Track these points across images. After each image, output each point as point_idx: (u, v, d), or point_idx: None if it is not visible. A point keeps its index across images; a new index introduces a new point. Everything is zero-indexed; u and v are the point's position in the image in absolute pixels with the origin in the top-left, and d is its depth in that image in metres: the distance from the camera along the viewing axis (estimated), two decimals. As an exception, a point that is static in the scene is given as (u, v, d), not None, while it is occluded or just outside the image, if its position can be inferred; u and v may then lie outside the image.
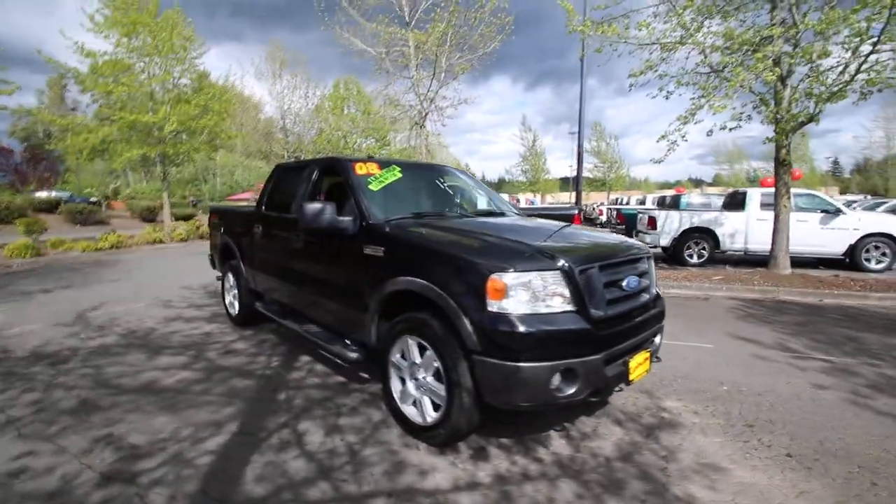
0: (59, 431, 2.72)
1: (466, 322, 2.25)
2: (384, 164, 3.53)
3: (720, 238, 10.01)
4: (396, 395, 2.75)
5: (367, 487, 2.19)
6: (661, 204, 19.07)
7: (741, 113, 7.68)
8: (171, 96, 14.48)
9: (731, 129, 8.00)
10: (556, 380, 2.18)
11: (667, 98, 8.61)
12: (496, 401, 2.27)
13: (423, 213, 3.27)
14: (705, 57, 7.90)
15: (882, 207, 16.59)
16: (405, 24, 9.42)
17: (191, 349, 4.24)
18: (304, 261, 3.60)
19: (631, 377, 2.45)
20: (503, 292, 2.18)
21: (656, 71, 8.45)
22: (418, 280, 2.49)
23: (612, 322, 2.37)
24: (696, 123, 8.15)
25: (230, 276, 5.08)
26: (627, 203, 26.40)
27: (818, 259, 9.72)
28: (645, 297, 2.73)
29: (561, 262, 2.26)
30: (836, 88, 6.53)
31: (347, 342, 3.21)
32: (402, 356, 2.71)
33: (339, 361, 3.85)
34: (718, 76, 7.75)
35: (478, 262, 2.28)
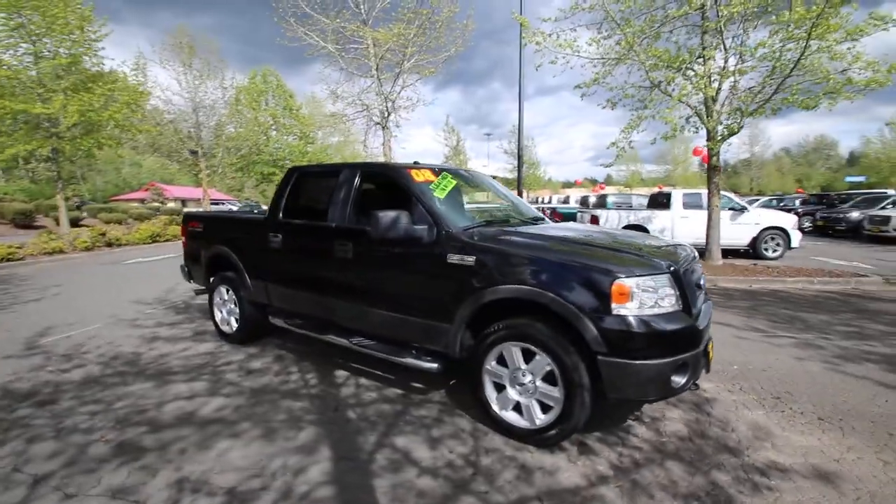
0: (118, 484, 2.33)
1: (590, 325, 2.38)
2: (434, 171, 3.50)
3: (651, 234, 11.25)
4: (494, 403, 2.80)
5: (513, 495, 2.23)
6: (585, 203, 20.74)
7: (678, 124, 8.71)
8: (67, 84, 12.45)
9: (667, 139, 9.06)
10: (674, 373, 2.40)
11: (613, 108, 9.45)
12: (621, 396, 2.43)
13: (492, 221, 3.31)
14: (647, 73, 8.81)
15: (755, 204, 19.78)
16: (363, 21, 9.12)
17: (203, 373, 3.81)
18: (353, 272, 3.43)
19: (709, 364, 2.77)
20: (627, 296, 2.35)
21: (601, 83, 9.27)
22: (526, 287, 2.56)
23: (700, 316, 2.66)
24: (640, 132, 9.09)
25: (223, 291, 4.62)
26: (549, 201, 28.22)
27: (726, 250, 11.36)
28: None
29: (670, 266, 2.49)
30: (755, 107, 7.74)
31: (414, 353, 3.16)
32: (500, 363, 2.76)
33: (380, 373, 3.76)
34: (659, 90, 8.72)
35: (600, 269, 2.42)
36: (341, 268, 3.50)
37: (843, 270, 8.25)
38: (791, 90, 7.36)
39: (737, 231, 10.94)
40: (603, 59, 9.09)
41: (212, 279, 4.78)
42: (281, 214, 4.02)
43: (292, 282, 3.93)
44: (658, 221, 11.44)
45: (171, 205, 36.26)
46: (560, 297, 2.45)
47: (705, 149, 9.41)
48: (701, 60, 8.31)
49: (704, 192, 11.95)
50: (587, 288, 2.42)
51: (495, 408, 2.79)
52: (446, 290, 2.91)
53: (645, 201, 15.74)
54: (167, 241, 15.42)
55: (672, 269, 2.50)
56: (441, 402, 3.27)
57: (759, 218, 11.13)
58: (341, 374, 3.82)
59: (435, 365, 3.03)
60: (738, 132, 8.15)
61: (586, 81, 9.21)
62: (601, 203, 17.03)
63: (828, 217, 16.44)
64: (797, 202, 21.21)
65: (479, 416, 2.98)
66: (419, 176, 3.34)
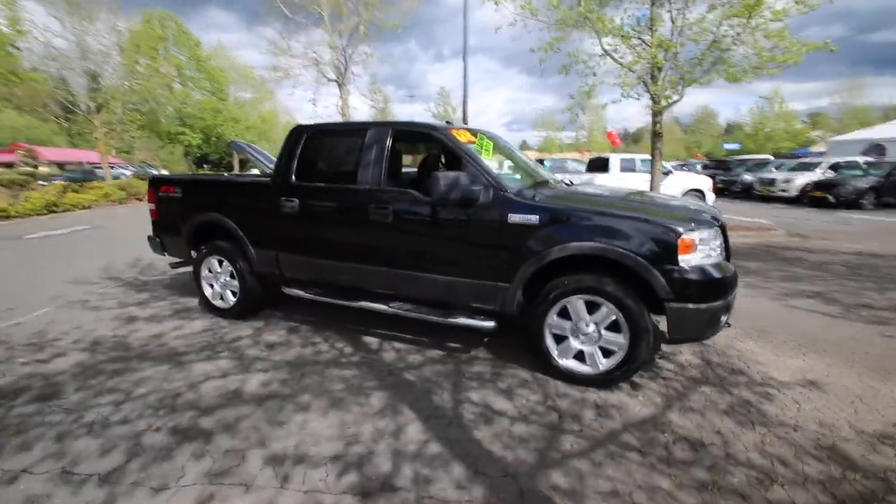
0: (210, 469, 2.17)
1: (659, 276, 2.62)
2: (472, 132, 3.46)
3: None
4: (555, 353, 2.98)
5: (604, 430, 2.46)
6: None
7: (627, 91, 9.29)
8: None
9: (614, 102, 9.66)
10: (723, 313, 2.75)
11: (567, 74, 9.79)
12: (682, 337, 2.75)
13: (538, 183, 3.38)
14: (599, 41, 9.20)
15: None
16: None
17: (218, 350, 3.53)
18: (394, 236, 3.33)
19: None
20: (691, 248, 2.62)
21: (558, 50, 9.53)
22: (598, 245, 2.72)
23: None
24: (590, 99, 9.57)
25: (214, 262, 4.22)
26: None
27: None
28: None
29: (717, 220, 2.80)
30: (698, 75, 8.51)
31: (467, 313, 3.23)
32: (560, 316, 2.93)
33: (410, 337, 3.76)
34: (611, 57, 9.18)
35: (667, 225, 2.65)
36: (378, 232, 3.38)
37: (756, 225, 9.63)
38: (727, 64, 8.18)
39: (665, 192, 12.17)
40: (557, 24, 9.28)
41: (198, 250, 4.32)
42: (294, 177, 3.72)
43: (313, 249, 3.71)
44: (599, 183, 12.30)
45: (43, 169, 30.75)
46: (631, 252, 2.66)
47: (617, 135, 10.23)
48: (649, 31, 8.85)
49: (637, 156, 13.02)
50: (655, 242, 2.65)
51: (557, 357, 2.98)
52: (506, 249, 2.97)
53: (577, 165, 16.77)
54: (66, 210, 13.29)
55: (719, 222, 2.81)
56: (487, 358, 3.40)
57: (682, 181, 12.45)
58: (370, 340, 3.76)
59: (492, 323, 3.13)
60: (680, 99, 8.93)
61: (543, 45, 9.39)
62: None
63: (725, 180, 18.78)
64: (699, 167, 23.85)
65: (532, 366, 3.17)
66: (462, 136, 3.29)
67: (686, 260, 2.62)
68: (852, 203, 13.49)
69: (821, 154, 21.20)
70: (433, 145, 3.23)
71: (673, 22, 8.49)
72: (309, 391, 2.89)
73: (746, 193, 17.44)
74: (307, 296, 3.80)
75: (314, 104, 10.06)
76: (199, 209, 4.20)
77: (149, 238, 4.77)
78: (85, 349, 3.58)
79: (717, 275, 2.68)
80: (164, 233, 4.56)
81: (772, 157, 27.47)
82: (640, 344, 2.73)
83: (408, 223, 3.28)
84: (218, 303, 4.31)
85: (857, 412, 2.65)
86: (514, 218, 2.93)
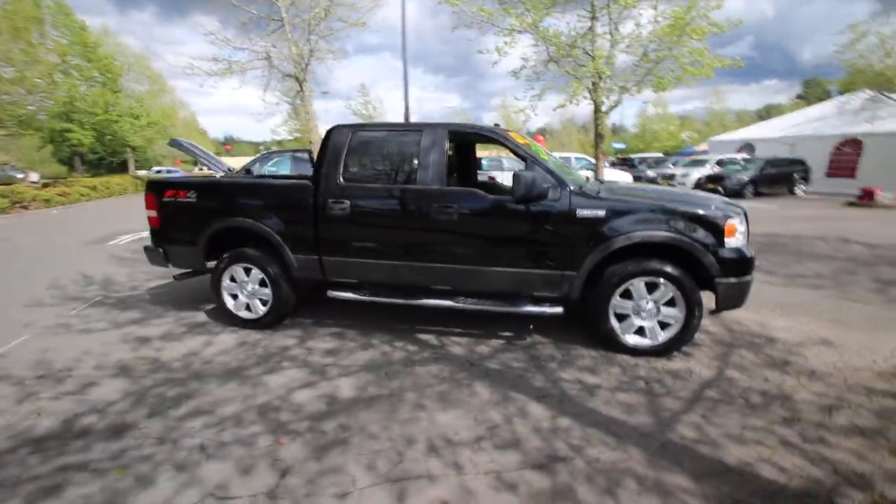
0: (378, 468, 2.19)
1: (710, 257, 3.13)
2: (520, 135, 3.72)
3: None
4: (619, 330, 3.38)
5: (687, 392, 2.89)
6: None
7: (573, 98, 10.17)
8: None
9: (562, 107, 10.54)
10: (751, 285, 3.35)
11: (516, 78, 10.45)
12: (727, 307, 3.28)
13: (581, 182, 3.73)
14: (547, 47, 9.96)
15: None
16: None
17: (278, 362, 3.39)
18: (461, 233, 3.47)
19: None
20: (733, 232, 3.17)
21: (506, 53, 10.15)
22: (661, 233, 3.16)
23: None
24: (542, 101, 10.33)
25: (239, 271, 3.98)
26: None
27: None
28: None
29: (742, 209, 3.38)
30: (632, 85, 9.62)
31: (533, 302, 3.50)
32: (622, 297, 3.33)
33: (460, 330, 3.93)
34: (556, 64, 10.00)
35: (714, 213, 3.17)
36: (443, 230, 3.49)
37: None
38: (656, 75, 9.39)
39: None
40: (510, 29, 9.87)
41: (218, 259, 4.02)
42: (341, 179, 3.66)
43: (366, 251, 3.69)
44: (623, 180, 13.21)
45: None
46: (688, 238, 3.13)
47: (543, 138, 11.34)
48: (590, 44, 9.80)
49: (571, 155, 14.17)
50: (706, 228, 3.15)
51: (621, 334, 3.38)
52: (575, 241, 3.30)
53: (512, 164, 17.73)
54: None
55: (744, 211, 3.40)
56: (546, 342, 3.69)
57: (609, 176, 13.87)
58: (426, 337, 3.85)
59: (560, 309, 3.43)
60: (618, 105, 10.01)
61: (496, 48, 9.93)
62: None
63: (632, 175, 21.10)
64: (607, 163, 26.46)
65: (591, 344, 3.55)
66: (520, 139, 3.53)
67: (729, 242, 3.16)
68: (737, 193, 16.02)
69: (704, 153, 24.76)
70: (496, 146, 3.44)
71: (612, 35, 9.49)
72: (410, 390, 2.95)
73: (653, 187, 19.79)
74: (357, 298, 3.77)
75: (264, 100, 9.41)
76: (223, 214, 3.92)
77: (146, 249, 4.30)
78: (117, 375, 3.20)
79: (748, 253, 3.26)
80: (170, 242, 4.15)
81: (662, 155, 31.36)
82: (694, 315, 3.23)
83: (476, 221, 3.45)
84: (243, 314, 4.06)
85: (844, 353, 3.41)
86: (583, 212, 3.26)
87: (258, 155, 9.04)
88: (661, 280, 3.23)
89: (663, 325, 3.34)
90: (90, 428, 2.56)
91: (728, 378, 3.05)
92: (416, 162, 3.56)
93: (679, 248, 3.17)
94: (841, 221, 10.24)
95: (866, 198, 12.95)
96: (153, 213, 4.11)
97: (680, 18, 8.34)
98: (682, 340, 3.31)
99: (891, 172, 15.11)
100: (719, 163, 19.54)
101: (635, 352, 3.37)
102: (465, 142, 4.07)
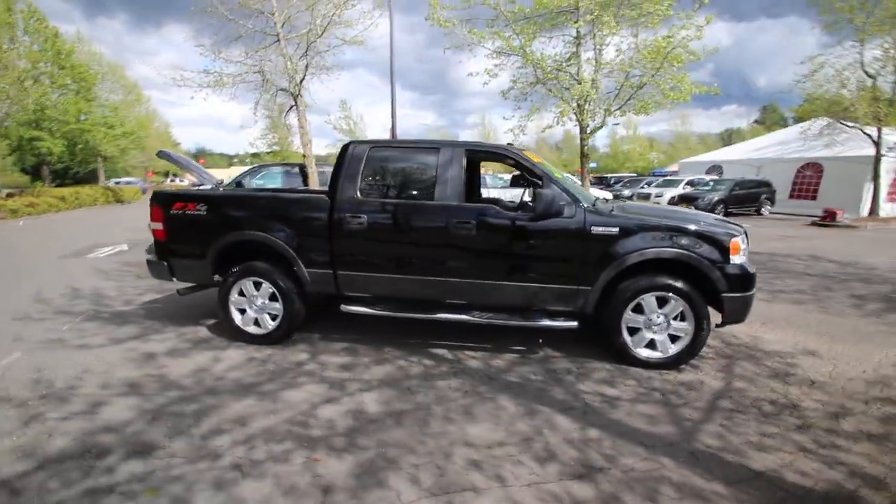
0: (423, 481, 2.19)
1: (717, 273, 3.30)
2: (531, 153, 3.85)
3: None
4: (631, 344, 3.49)
5: (703, 402, 3.01)
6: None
7: (561, 119, 10.50)
8: None
9: (549, 128, 10.88)
10: (753, 300, 3.54)
11: (505, 98, 10.77)
12: (731, 321, 3.44)
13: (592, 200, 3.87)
14: (535, 70, 10.30)
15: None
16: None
17: (294, 377, 3.34)
18: (479, 249, 3.54)
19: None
20: (738, 250, 3.36)
21: (495, 75, 10.48)
22: (672, 250, 3.32)
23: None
24: (531, 121, 10.65)
25: (249, 286, 3.92)
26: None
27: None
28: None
29: (743, 228, 3.59)
30: (615, 108, 10.04)
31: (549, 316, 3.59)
32: (634, 311, 3.46)
33: (473, 344, 3.98)
34: (544, 86, 10.34)
35: (721, 232, 3.35)
36: (461, 245, 3.56)
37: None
38: (638, 99, 9.83)
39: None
40: (499, 51, 10.19)
41: (226, 273, 3.95)
42: (359, 193, 3.69)
43: (383, 265, 3.71)
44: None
45: None
46: (697, 255, 3.30)
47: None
48: (575, 68, 10.19)
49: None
50: (714, 246, 3.33)
51: (633, 347, 3.49)
52: (590, 256, 3.42)
53: (494, 181, 18.03)
54: None
55: (745, 230, 3.61)
56: (558, 356, 3.77)
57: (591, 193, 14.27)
58: (439, 352, 3.86)
59: (574, 323, 3.53)
60: (602, 127, 10.41)
61: (487, 69, 10.22)
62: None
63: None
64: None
65: (603, 357, 3.65)
66: (535, 158, 3.66)
67: (734, 259, 3.35)
68: (709, 212, 16.80)
69: (675, 173, 25.85)
70: (513, 165, 3.56)
71: (596, 60, 9.91)
72: (435, 404, 2.96)
73: (630, 205, 20.47)
74: (372, 313, 3.77)
75: (254, 114, 9.31)
76: (234, 227, 3.87)
77: (149, 263, 4.19)
78: (126, 393, 3.09)
79: (751, 270, 3.45)
80: (176, 255, 4.05)
81: (636, 175, 32.51)
82: (702, 329, 3.38)
83: (494, 236, 3.53)
84: (251, 329, 3.98)
85: (836, 364, 3.63)
86: (598, 229, 3.39)
87: (248, 168, 8.93)
88: (672, 295, 3.37)
89: (673, 339, 3.47)
90: (109, 448, 2.46)
91: (737, 388, 3.20)
92: (433, 178, 3.63)
93: (688, 264, 3.33)
94: (809, 240, 10.85)
95: (828, 218, 13.77)
96: (158, 226, 4.02)
97: (662, 47, 8.82)
98: (691, 353, 3.45)
99: (848, 194, 16.17)
100: (690, 183, 20.45)
101: (647, 364, 3.49)
102: (471, 160, 4.18)
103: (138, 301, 5.37)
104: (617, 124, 50.16)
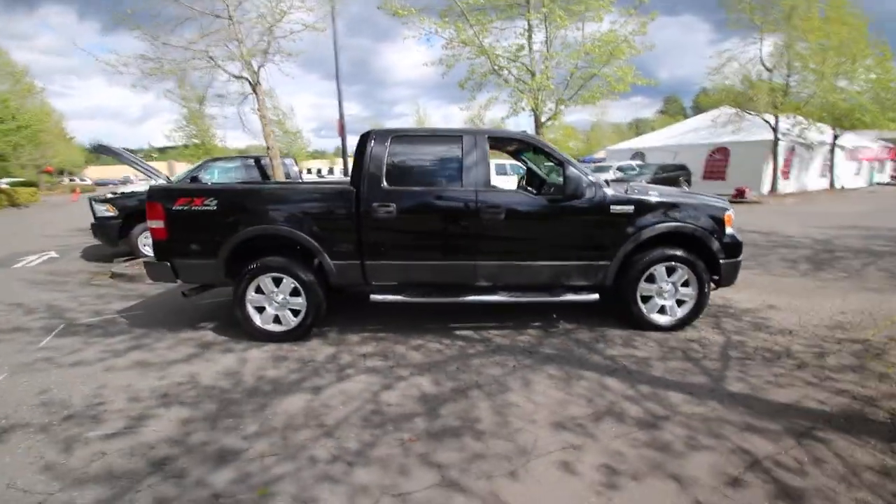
0: (525, 443, 2.34)
1: (716, 242, 3.77)
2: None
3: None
4: (645, 309, 3.87)
5: (714, 351, 3.45)
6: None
7: (516, 104, 10.88)
8: None
9: (508, 117, 11.24)
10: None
11: (462, 88, 10.95)
12: (726, 284, 3.93)
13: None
14: (490, 61, 10.57)
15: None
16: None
17: (338, 370, 3.31)
18: (508, 232, 3.71)
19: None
20: (730, 221, 3.84)
21: (451, 67, 10.63)
22: (679, 224, 3.71)
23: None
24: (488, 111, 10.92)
25: (268, 281, 3.77)
26: (332, 173, 28.07)
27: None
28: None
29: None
30: (567, 98, 10.62)
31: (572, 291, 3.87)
32: (647, 281, 3.84)
33: (494, 324, 4.17)
34: (499, 76, 10.66)
35: (718, 206, 3.82)
36: (490, 229, 3.69)
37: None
38: (587, 90, 10.49)
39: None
40: (452, 41, 10.30)
41: (240, 271, 3.75)
42: (385, 182, 3.68)
43: (413, 252, 3.75)
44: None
45: None
46: (700, 227, 3.74)
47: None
48: (528, 59, 10.60)
49: (507, 162, 15.02)
50: (712, 219, 3.79)
51: (647, 313, 3.88)
52: (610, 233, 3.73)
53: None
54: None
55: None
56: (578, 327, 4.06)
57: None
58: (466, 333, 3.97)
59: (596, 296, 3.83)
60: (557, 118, 10.95)
61: (444, 59, 10.32)
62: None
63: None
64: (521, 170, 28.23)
65: (617, 325, 4.02)
66: (553, 144, 3.88)
67: (728, 230, 3.83)
68: (639, 194, 18.32)
69: (602, 160, 27.76)
70: (533, 151, 3.75)
71: (547, 51, 10.38)
72: (491, 380, 3.10)
73: (568, 190, 21.67)
74: (405, 300, 3.80)
75: (201, 105, 8.50)
76: (251, 222, 3.67)
77: (148, 265, 3.85)
78: (163, 404, 2.88)
79: (739, 238, 3.97)
80: (180, 255, 3.76)
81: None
82: (704, 294, 3.84)
83: (523, 219, 3.72)
84: (271, 327, 3.83)
85: (800, 315, 4.30)
86: (616, 208, 3.70)
87: (200, 162, 8.26)
88: (679, 264, 3.79)
89: (679, 303, 3.91)
90: (184, 460, 2.32)
91: (737, 341, 3.69)
92: (459, 165, 3.71)
93: (693, 235, 3.76)
94: (730, 215, 12.31)
95: (739, 195, 15.69)
96: (159, 224, 3.70)
97: (611, 41, 9.49)
98: (695, 315, 3.91)
99: (751, 174, 18.48)
100: (620, 168, 22.11)
101: (660, 327, 3.89)
102: (509, 146, 4.35)
103: (109, 310, 4.87)
104: (541, 112, 52.48)
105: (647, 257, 3.77)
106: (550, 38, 10.51)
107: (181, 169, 17.95)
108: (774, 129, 17.48)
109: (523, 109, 11.13)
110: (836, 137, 20.98)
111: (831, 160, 21.98)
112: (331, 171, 32.73)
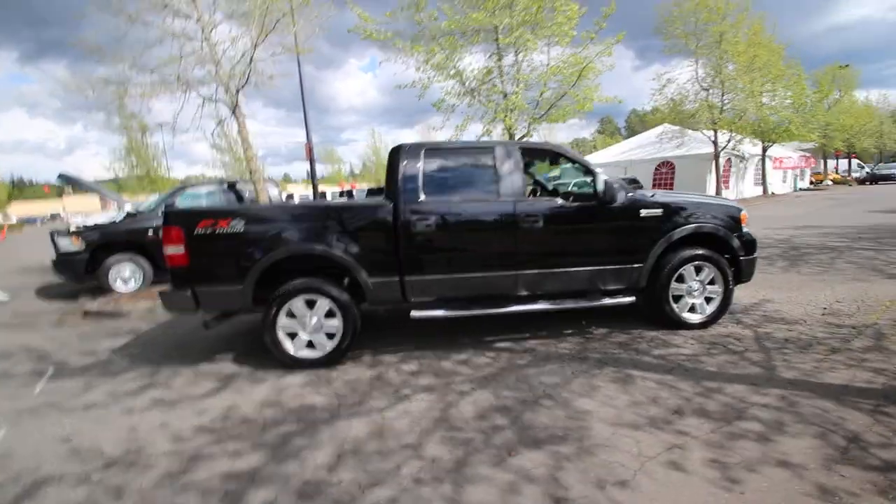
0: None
1: (737, 241, 3.99)
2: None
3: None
4: (677, 308, 3.99)
5: (747, 344, 3.60)
6: (350, 195, 21.62)
7: (490, 122, 11.15)
8: None
9: (482, 136, 11.47)
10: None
11: (438, 110, 11.11)
12: (745, 279, 4.13)
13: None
14: (462, 82, 10.83)
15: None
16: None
17: (408, 390, 3.14)
18: (547, 240, 3.73)
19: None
20: (746, 220, 4.09)
21: (426, 88, 10.80)
22: (705, 224, 3.90)
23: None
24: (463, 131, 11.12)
25: (299, 304, 3.54)
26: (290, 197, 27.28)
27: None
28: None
29: (739, 204, 4.37)
30: (539, 116, 11.03)
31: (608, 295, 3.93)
32: (677, 281, 3.97)
33: (528, 334, 4.14)
34: (473, 98, 10.92)
35: (734, 207, 4.05)
36: (530, 238, 3.70)
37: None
38: (557, 108, 10.97)
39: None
40: (425, 64, 10.48)
41: (269, 295, 3.51)
42: (423, 195, 3.60)
43: (453, 265, 3.67)
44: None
45: None
46: (723, 227, 3.94)
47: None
48: (499, 81, 10.96)
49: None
50: (731, 219, 4.01)
51: (679, 312, 4.00)
52: (642, 236, 3.84)
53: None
54: None
55: (740, 205, 4.40)
56: (612, 331, 4.10)
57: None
58: (506, 344, 3.90)
59: (632, 298, 3.92)
60: (528, 133, 11.32)
61: (420, 82, 10.44)
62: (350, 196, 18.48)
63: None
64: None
65: (647, 325, 4.11)
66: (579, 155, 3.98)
67: (744, 228, 4.07)
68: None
69: (558, 178, 28.97)
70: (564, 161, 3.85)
71: (517, 73, 10.79)
72: (557, 387, 3.05)
73: (531, 207, 22.31)
74: (449, 314, 3.70)
75: (172, 129, 7.95)
76: (280, 243, 3.46)
77: (164, 295, 3.50)
78: (213, 441, 2.59)
79: (754, 237, 4.22)
80: (203, 282, 3.46)
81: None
82: (729, 291, 4.02)
83: (560, 226, 3.76)
84: (304, 353, 3.59)
85: (803, 307, 4.60)
86: (645, 212, 3.83)
87: (174, 189, 7.74)
88: (706, 263, 3.96)
89: (707, 301, 4.07)
90: (259, 499, 2.08)
91: (765, 333, 3.88)
92: (494, 176, 3.71)
93: (716, 234, 3.96)
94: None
95: (692, 205, 16.79)
96: (178, 250, 3.39)
97: (579, 62, 10.03)
98: (723, 311, 4.07)
99: (696, 185, 19.90)
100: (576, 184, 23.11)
101: (692, 325, 4.02)
102: (540, 157, 4.42)
103: (101, 350, 4.38)
104: (491, 130, 54.14)
105: (678, 257, 3.91)
106: (520, 62, 10.94)
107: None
108: (715, 143, 19.02)
109: (498, 129, 11.44)
110: (765, 149, 23.16)
111: (763, 170, 24.18)
112: (290, 196, 31.96)
